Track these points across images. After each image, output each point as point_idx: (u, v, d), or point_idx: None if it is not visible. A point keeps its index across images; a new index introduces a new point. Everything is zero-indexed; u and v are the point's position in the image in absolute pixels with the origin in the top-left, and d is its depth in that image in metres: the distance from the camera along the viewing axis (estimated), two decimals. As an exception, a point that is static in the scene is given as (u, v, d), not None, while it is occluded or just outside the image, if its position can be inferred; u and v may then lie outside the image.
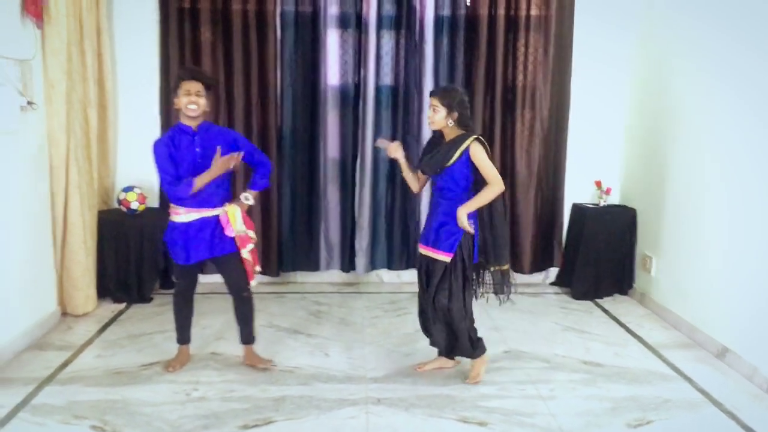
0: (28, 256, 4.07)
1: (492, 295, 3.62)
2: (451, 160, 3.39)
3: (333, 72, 5.27)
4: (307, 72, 5.19)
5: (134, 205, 4.87)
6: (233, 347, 4.01)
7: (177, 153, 3.42)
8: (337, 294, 5.23)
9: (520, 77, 5.26)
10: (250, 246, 3.60)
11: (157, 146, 3.42)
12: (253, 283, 3.65)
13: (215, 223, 3.50)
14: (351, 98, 5.28)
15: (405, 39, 5.21)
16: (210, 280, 5.38)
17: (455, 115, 3.41)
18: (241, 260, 3.58)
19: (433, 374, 3.70)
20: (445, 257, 3.43)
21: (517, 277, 5.53)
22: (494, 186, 3.39)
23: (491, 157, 3.44)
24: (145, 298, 4.89)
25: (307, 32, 5.15)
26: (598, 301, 5.16)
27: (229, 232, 3.51)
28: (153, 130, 5.15)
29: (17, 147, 3.92)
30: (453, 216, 3.42)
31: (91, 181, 4.72)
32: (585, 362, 3.92)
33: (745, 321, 3.83)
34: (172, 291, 5.10)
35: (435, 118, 3.43)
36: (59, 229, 4.41)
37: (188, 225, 3.48)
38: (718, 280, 4.12)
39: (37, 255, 4.21)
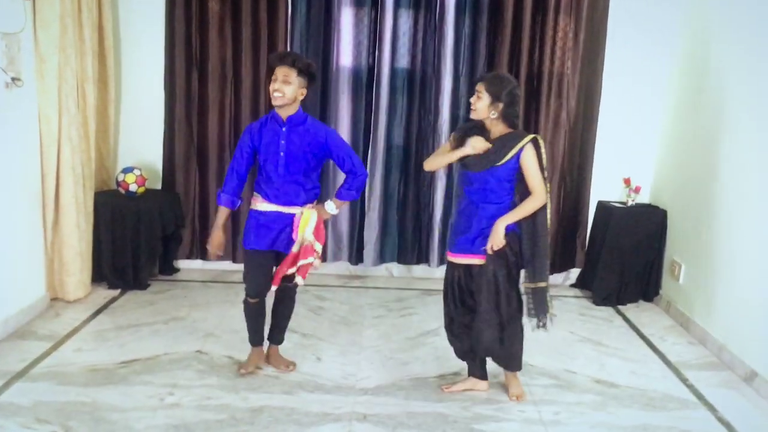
0: (13, 240, 3.88)
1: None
2: (503, 160, 3.06)
3: (346, 53, 4.97)
4: (319, 52, 4.88)
5: (133, 188, 4.66)
6: (222, 347, 3.79)
7: (261, 141, 3.21)
8: (342, 288, 4.97)
9: (546, 63, 4.86)
10: (311, 259, 3.25)
11: (244, 131, 3.32)
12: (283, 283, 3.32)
13: (290, 221, 3.24)
14: (364, 81, 4.97)
15: (424, 19, 4.88)
16: (211, 267, 5.20)
17: (500, 106, 3.05)
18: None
19: (427, 389, 3.42)
20: (481, 259, 3.13)
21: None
22: (537, 198, 3.08)
23: (542, 164, 3.09)
24: (141, 285, 4.69)
25: (320, 9, 4.84)
26: (621, 308, 4.80)
27: (295, 236, 3.23)
28: (157, 108, 4.98)
29: (1, 125, 3.71)
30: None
31: (89, 161, 4.50)
32: (597, 381, 3.60)
33: (778, 345, 3.47)
34: (170, 278, 5.01)
35: (477, 105, 3.08)
36: (50, 212, 4.21)
37: (263, 214, 3.25)
38: (751, 296, 3.74)
39: (25, 238, 4.02)
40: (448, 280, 3.30)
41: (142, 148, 5.06)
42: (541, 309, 3.23)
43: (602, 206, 5.05)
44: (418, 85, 4.97)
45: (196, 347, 3.78)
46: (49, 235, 4.25)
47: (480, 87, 3.08)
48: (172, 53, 4.86)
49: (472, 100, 3.11)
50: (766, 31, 3.73)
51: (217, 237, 3.35)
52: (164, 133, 5.00)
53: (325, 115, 4.95)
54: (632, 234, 4.80)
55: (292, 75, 3.08)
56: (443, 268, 5.11)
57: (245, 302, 3.43)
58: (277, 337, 3.56)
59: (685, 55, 4.74)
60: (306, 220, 3.21)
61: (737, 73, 4.02)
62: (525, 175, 3.09)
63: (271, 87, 3.10)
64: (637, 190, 4.91)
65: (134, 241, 4.65)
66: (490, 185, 3.11)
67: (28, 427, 2.88)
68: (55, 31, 4.00)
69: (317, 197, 3.34)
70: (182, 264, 5.22)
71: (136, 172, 4.69)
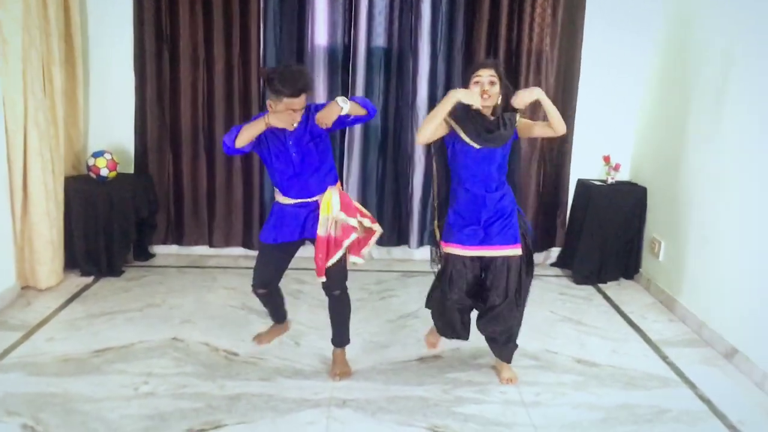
0: (-21, 228, 3.78)
1: None
2: (514, 128, 3.08)
3: (321, 31, 4.85)
4: (293, 31, 4.77)
5: (104, 172, 4.54)
6: (199, 334, 3.72)
7: (272, 141, 3.06)
8: (321, 271, 4.90)
9: (525, 40, 4.78)
10: (353, 236, 3.10)
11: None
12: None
13: (315, 206, 3.12)
14: (340, 60, 4.88)
15: (400, -4, 4.79)
16: (187, 252, 5.12)
17: (503, 86, 3.06)
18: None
19: (407, 373, 3.38)
20: (517, 249, 3.12)
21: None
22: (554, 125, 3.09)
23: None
24: (115, 271, 4.59)
25: (294, -12, 4.73)
26: (601, 286, 4.79)
27: (321, 218, 3.09)
28: (127, 91, 4.85)
29: (-37, 110, 3.59)
30: (511, 202, 3.18)
31: (57, 146, 4.38)
32: (578, 360, 3.58)
33: (757, 320, 3.45)
34: (145, 263, 4.91)
35: (493, 90, 3.00)
36: (18, 199, 4.09)
37: (286, 206, 3.16)
38: (730, 273, 3.73)
39: (-8, 226, 3.92)
40: (459, 274, 3.17)
41: (112, 131, 4.93)
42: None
43: (582, 184, 5.02)
44: (395, 64, 4.88)
45: (172, 334, 3.71)
46: (18, 223, 4.14)
47: (492, 72, 3.00)
48: (142, 34, 4.72)
49: (484, 88, 2.98)
50: (747, 10, 3.68)
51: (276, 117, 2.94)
52: (135, 115, 4.87)
53: (301, 96, 4.85)
54: (612, 212, 4.78)
55: (303, 97, 2.93)
56: (423, 249, 5.14)
57: (254, 292, 3.39)
58: (336, 339, 3.37)
59: (665, 32, 4.69)
60: (328, 199, 3.07)
61: (717, 50, 3.98)
62: (530, 130, 3.13)
63: (293, 118, 2.93)
64: (616, 168, 4.88)
65: (107, 227, 4.54)
66: (493, 168, 3.08)
67: (-3, 420, 2.81)
68: (18, 10, 3.86)
69: (337, 179, 3.21)
70: (158, 249, 5.13)
71: (107, 156, 4.57)
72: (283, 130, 3.04)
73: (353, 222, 3.12)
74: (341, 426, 2.87)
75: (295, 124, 2.98)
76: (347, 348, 3.40)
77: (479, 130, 3.03)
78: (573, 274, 4.91)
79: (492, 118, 3.06)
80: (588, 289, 4.73)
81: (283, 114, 2.91)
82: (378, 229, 3.28)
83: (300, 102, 2.91)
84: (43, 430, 2.74)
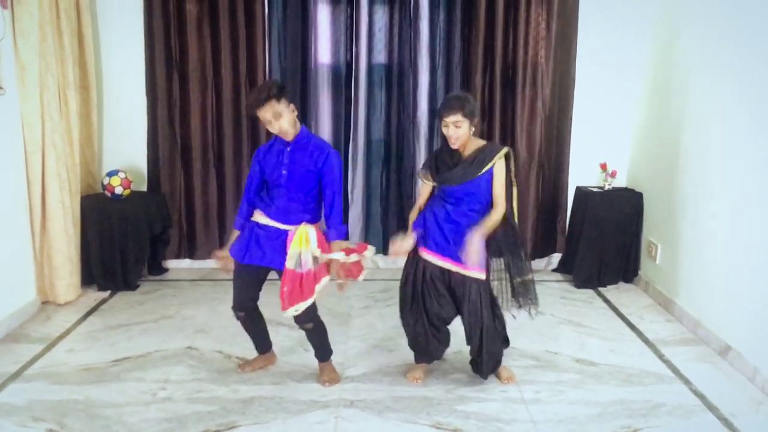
0: (1, 246, 3.95)
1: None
2: (481, 172, 3.11)
3: (324, 50, 5.06)
4: (297, 50, 4.97)
5: (119, 190, 4.72)
6: (212, 342, 3.89)
7: (266, 161, 3.19)
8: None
9: (520, 53, 4.96)
10: (325, 280, 3.17)
11: (252, 158, 3.31)
12: (291, 311, 3.12)
13: (286, 236, 3.13)
14: (343, 77, 5.06)
15: (399, 14, 4.97)
16: (200, 266, 5.29)
17: (475, 121, 3.11)
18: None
19: (412, 374, 3.53)
20: (481, 273, 3.19)
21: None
22: (498, 210, 3.15)
23: (510, 176, 3.19)
24: (130, 286, 4.77)
25: (297, 8, 4.91)
26: (601, 289, 4.92)
27: (291, 251, 3.09)
28: (140, 111, 5.05)
29: (-14, 134, 3.79)
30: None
31: (74, 166, 4.57)
32: (577, 360, 3.71)
33: (749, 318, 3.58)
34: (159, 278, 5.09)
35: (459, 133, 3.06)
36: (37, 217, 4.28)
37: (261, 226, 3.20)
38: (724, 274, 3.86)
39: (13, 244, 4.09)
40: (425, 278, 3.29)
41: (126, 151, 5.13)
42: (532, 300, 3.33)
43: (580, 191, 5.16)
44: (395, 79, 5.06)
45: (187, 343, 3.87)
46: (38, 240, 4.32)
47: (456, 117, 3.03)
48: (152, 57, 4.93)
49: (450, 132, 3.07)
50: (735, 16, 3.84)
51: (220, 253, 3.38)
52: (147, 135, 5.07)
53: (306, 113, 5.03)
54: (610, 218, 4.91)
55: (279, 106, 3.00)
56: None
57: (235, 316, 3.41)
58: (319, 355, 3.47)
59: (657, 41, 4.85)
60: (304, 233, 3.08)
61: (707, 58, 4.13)
62: (493, 184, 3.15)
63: (271, 129, 3.06)
64: (613, 175, 5.03)
65: (122, 243, 4.72)
66: (473, 197, 3.17)
67: (24, 425, 2.96)
68: (35, 39, 4.06)
69: (317, 221, 3.23)
70: (171, 264, 5.30)
71: (121, 174, 4.75)
72: (285, 147, 3.15)
73: (337, 256, 3.11)
74: (349, 424, 3.02)
75: (285, 132, 3.06)
76: (348, 352, 3.57)
77: (435, 168, 3.21)
78: (573, 278, 5.05)
79: (466, 153, 3.16)
80: (588, 293, 4.87)
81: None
82: (367, 254, 3.26)
83: (269, 109, 2.98)
84: (67, 433, 2.90)
